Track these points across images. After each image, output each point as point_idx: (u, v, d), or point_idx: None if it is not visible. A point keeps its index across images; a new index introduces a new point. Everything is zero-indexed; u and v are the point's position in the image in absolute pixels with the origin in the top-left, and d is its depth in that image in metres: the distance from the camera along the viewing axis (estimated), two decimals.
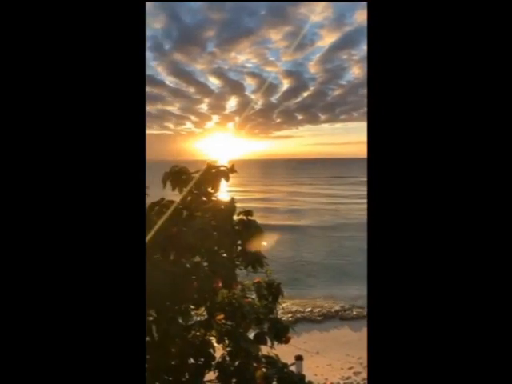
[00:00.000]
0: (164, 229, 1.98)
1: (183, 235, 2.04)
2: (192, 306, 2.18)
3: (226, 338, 2.30)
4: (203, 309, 2.29)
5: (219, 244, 2.13)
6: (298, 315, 9.21)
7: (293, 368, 2.70)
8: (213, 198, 2.23)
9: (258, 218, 2.36)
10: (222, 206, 2.21)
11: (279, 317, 2.64)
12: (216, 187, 2.23)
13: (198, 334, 2.27)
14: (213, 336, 2.32)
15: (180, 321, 2.08)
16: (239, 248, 2.23)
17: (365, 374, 6.35)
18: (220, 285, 2.09)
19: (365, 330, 7.70)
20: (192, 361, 2.17)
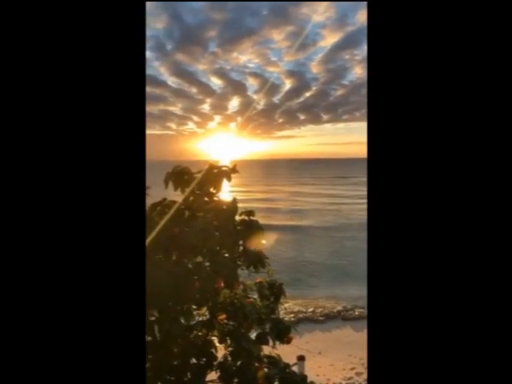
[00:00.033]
0: (166, 229, 1.98)
1: (185, 235, 2.04)
2: (194, 306, 2.18)
3: (227, 338, 2.30)
4: (205, 309, 2.30)
5: (221, 244, 2.13)
6: (300, 315, 9.20)
7: (295, 368, 2.70)
8: (215, 199, 2.24)
9: (260, 219, 2.36)
10: (224, 207, 2.21)
11: (281, 317, 2.64)
12: (218, 187, 2.23)
13: (200, 334, 2.28)
14: (215, 336, 2.32)
15: (182, 321, 2.09)
16: (241, 248, 2.23)
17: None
18: (222, 285, 2.10)
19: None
20: (194, 361, 2.17)
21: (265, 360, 2.34)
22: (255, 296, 2.59)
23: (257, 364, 2.27)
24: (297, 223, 23.18)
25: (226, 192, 2.41)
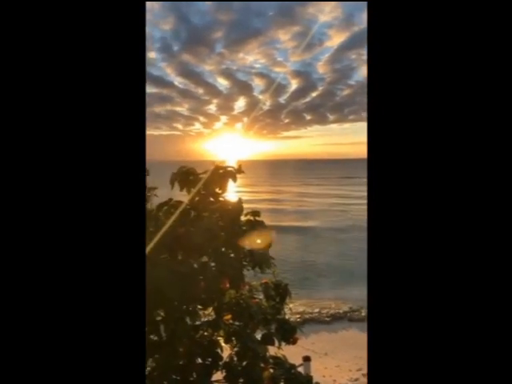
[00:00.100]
0: (172, 229, 1.99)
1: (191, 235, 2.05)
2: (200, 306, 2.19)
3: (233, 339, 2.30)
4: (211, 309, 2.30)
5: (227, 244, 2.13)
6: (306, 316, 9.19)
7: (300, 369, 2.69)
8: (220, 199, 2.24)
9: (266, 219, 2.36)
10: (230, 207, 2.21)
11: (287, 317, 2.64)
12: (223, 188, 2.23)
13: (205, 334, 2.28)
14: (220, 336, 2.32)
15: (188, 321, 2.09)
16: (246, 248, 2.23)
17: None
18: (227, 285, 2.10)
19: None
20: (200, 361, 2.18)
21: (270, 360, 2.34)
22: (261, 296, 2.59)
23: (262, 364, 2.27)
24: (303, 224, 23.13)
25: (232, 192, 2.41)
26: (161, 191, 2.22)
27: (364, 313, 9.21)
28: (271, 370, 2.28)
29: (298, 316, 9.06)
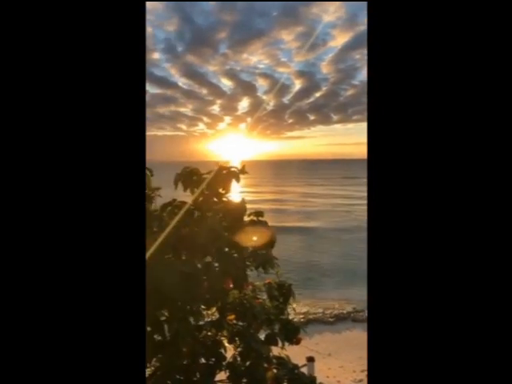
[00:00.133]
0: (176, 229, 1.99)
1: (194, 235, 2.06)
2: (203, 306, 2.20)
3: (237, 339, 2.31)
4: (214, 309, 2.31)
5: (230, 244, 2.14)
6: (310, 316, 9.18)
7: (304, 369, 2.69)
8: (224, 199, 2.25)
9: (270, 220, 2.37)
10: (233, 207, 2.22)
11: (290, 318, 2.64)
12: (227, 188, 2.24)
13: (209, 334, 2.29)
14: (224, 336, 2.33)
15: (191, 321, 2.10)
16: (250, 249, 2.24)
17: None
18: (231, 285, 2.10)
19: None
20: (203, 360, 2.19)
21: (274, 361, 2.34)
22: (264, 297, 2.59)
23: (266, 365, 2.27)
24: (306, 224, 23.11)
25: (236, 193, 2.42)
26: (165, 191, 2.22)
27: None
28: (274, 371, 2.28)
29: (301, 316, 9.06)
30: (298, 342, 2.56)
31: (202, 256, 2.09)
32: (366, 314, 9.14)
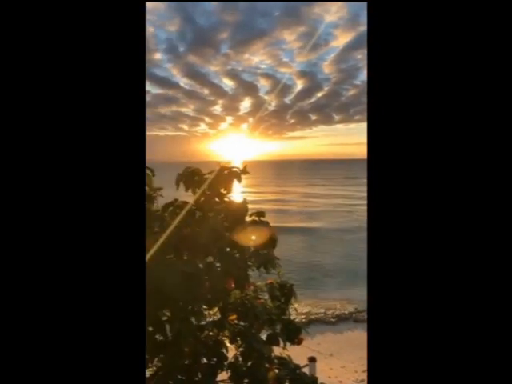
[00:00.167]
0: (177, 229, 2.00)
1: (196, 235, 2.06)
2: (205, 306, 2.20)
3: (238, 339, 2.31)
4: (216, 309, 2.31)
5: (232, 245, 2.14)
6: (312, 316, 9.17)
7: (306, 370, 2.69)
8: (225, 199, 2.25)
9: (271, 220, 2.37)
10: (235, 207, 2.22)
11: (292, 318, 2.64)
12: (228, 188, 2.24)
13: (211, 334, 2.29)
14: (226, 336, 2.33)
15: (193, 321, 2.10)
16: (251, 249, 2.24)
17: None
18: (232, 285, 2.10)
19: None
20: (205, 360, 2.19)
21: (275, 361, 2.35)
22: (266, 297, 2.59)
23: (267, 365, 2.27)
24: (308, 225, 23.10)
25: (238, 193, 2.42)
26: (166, 192, 2.23)
27: None
28: (276, 371, 2.28)
29: (303, 316, 9.05)
30: (299, 342, 2.56)
31: (204, 256, 2.09)
32: None
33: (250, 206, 2.26)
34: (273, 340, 2.44)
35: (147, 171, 2.04)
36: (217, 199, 2.24)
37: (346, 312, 9.41)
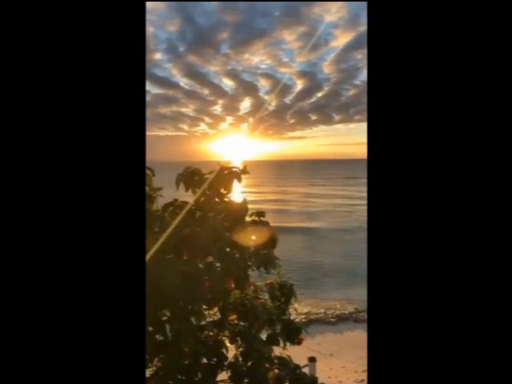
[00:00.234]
0: (177, 229, 2.00)
1: (196, 235, 2.06)
2: (205, 306, 2.20)
3: (238, 339, 2.31)
4: (216, 309, 2.31)
5: (232, 245, 2.14)
6: (312, 316, 9.18)
7: (306, 370, 2.69)
8: (225, 199, 2.25)
9: (271, 220, 2.37)
10: (235, 207, 2.22)
11: (292, 318, 2.64)
12: (228, 188, 2.24)
13: (210, 334, 2.29)
14: (226, 336, 2.33)
15: (193, 321, 2.10)
16: (251, 249, 2.24)
17: None
18: (232, 285, 2.11)
19: None
20: (205, 360, 2.19)
21: (275, 361, 2.35)
22: (266, 297, 2.60)
23: (267, 365, 2.27)
24: (308, 225, 23.09)
25: (238, 193, 2.42)
26: (166, 192, 2.23)
27: None
28: (276, 371, 2.28)
29: (303, 316, 9.05)
30: (299, 343, 2.56)
31: (204, 256, 2.09)
32: None
33: (250, 206, 2.26)
34: (273, 340, 2.44)
35: (147, 171, 2.04)
36: (217, 199, 2.24)
37: (346, 312, 9.41)
